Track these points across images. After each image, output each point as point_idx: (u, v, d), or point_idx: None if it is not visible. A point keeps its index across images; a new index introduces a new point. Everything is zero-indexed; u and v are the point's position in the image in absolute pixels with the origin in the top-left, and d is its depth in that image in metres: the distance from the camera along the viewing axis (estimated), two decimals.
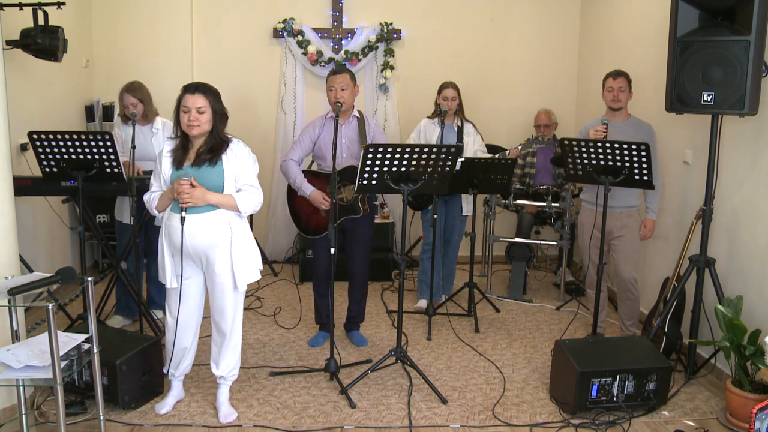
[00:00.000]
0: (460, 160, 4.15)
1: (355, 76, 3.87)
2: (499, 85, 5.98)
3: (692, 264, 3.58)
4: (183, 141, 2.98)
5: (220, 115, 2.96)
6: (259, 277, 3.11)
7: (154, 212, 3.04)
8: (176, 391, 3.26)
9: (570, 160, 3.72)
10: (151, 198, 3.04)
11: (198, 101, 2.89)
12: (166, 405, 3.20)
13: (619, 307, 4.20)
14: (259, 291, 5.18)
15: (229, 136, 3.02)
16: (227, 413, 3.18)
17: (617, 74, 3.98)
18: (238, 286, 3.02)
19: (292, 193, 3.98)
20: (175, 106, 2.98)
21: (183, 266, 2.99)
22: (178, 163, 2.96)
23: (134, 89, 4.01)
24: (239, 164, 2.99)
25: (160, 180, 3.02)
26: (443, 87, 4.56)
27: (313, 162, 4.09)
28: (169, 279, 3.04)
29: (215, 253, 2.97)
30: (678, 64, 3.40)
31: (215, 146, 2.95)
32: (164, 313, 3.23)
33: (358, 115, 3.92)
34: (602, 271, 3.84)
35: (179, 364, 3.19)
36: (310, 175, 3.89)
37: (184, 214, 2.88)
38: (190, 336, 3.15)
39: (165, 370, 3.23)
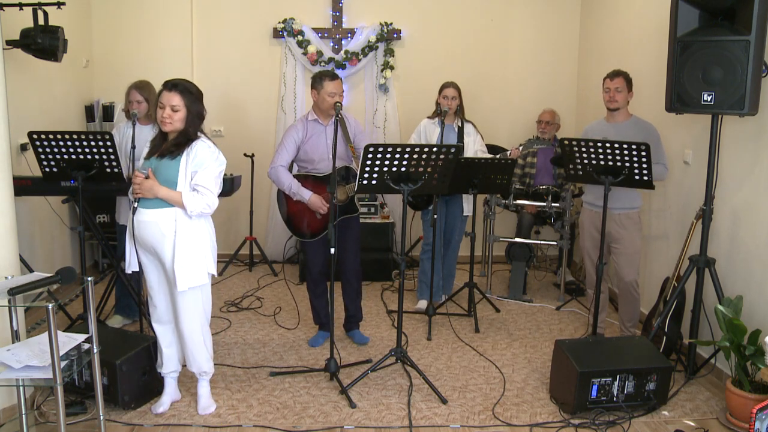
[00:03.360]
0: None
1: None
2: (499, 84, 5.98)
3: (692, 264, 3.58)
4: (161, 134, 3.06)
5: (195, 115, 2.99)
6: (205, 281, 3.04)
7: (131, 197, 3.07)
8: (170, 389, 3.26)
9: (570, 160, 3.72)
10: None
11: (173, 99, 2.93)
12: (162, 405, 3.20)
13: (619, 308, 4.20)
14: (259, 291, 5.18)
15: (200, 135, 3.02)
16: (205, 405, 3.22)
17: (615, 75, 3.97)
18: (178, 285, 2.95)
19: (282, 198, 3.97)
20: (154, 101, 3.08)
21: (139, 256, 3.08)
22: (150, 153, 3.05)
23: (142, 87, 4.00)
24: (197, 163, 2.95)
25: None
26: (444, 86, 4.56)
27: (293, 164, 4.07)
28: (127, 263, 3.11)
29: (162, 249, 2.98)
30: (678, 64, 3.40)
31: (181, 142, 2.99)
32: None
33: (339, 115, 3.92)
34: (602, 271, 3.84)
35: (165, 361, 3.20)
36: (300, 180, 3.88)
37: (135, 204, 2.97)
38: (168, 331, 3.17)
39: (156, 367, 3.24)
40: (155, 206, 2.95)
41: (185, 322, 3.07)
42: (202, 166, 2.96)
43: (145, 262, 3.09)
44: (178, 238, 2.95)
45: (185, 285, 2.97)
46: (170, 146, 2.99)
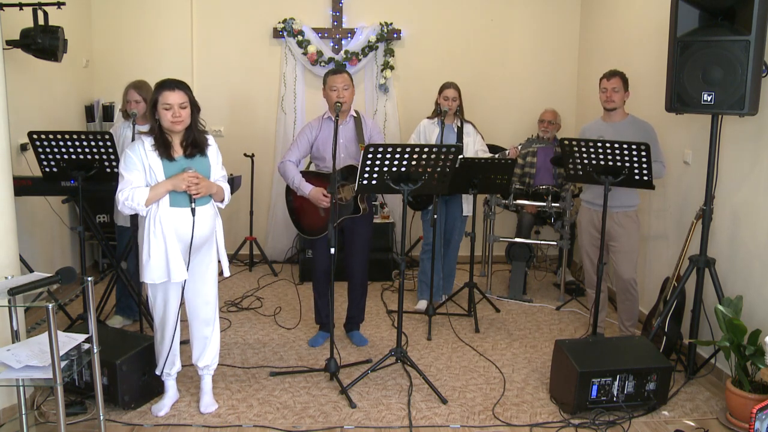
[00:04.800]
0: (459, 156, 4.15)
1: (352, 77, 3.88)
2: (499, 85, 5.98)
3: (692, 264, 3.58)
4: (163, 135, 3.00)
5: (196, 108, 3.04)
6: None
7: (138, 208, 2.90)
8: (172, 391, 3.26)
9: (570, 160, 3.72)
10: (134, 193, 2.88)
11: (180, 97, 2.94)
12: (164, 407, 3.20)
13: (618, 307, 4.20)
14: (259, 291, 5.18)
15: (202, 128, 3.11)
16: (208, 403, 3.24)
17: (611, 75, 3.98)
18: (225, 271, 3.20)
19: (290, 194, 3.98)
20: (150, 103, 3.00)
21: (190, 259, 3.01)
22: (167, 156, 2.97)
23: (140, 86, 4.00)
24: (218, 156, 3.15)
25: (144, 173, 2.94)
26: (444, 87, 4.55)
27: (311, 163, 4.09)
28: (177, 272, 2.95)
29: (209, 243, 3.11)
30: (678, 64, 3.40)
31: (198, 137, 3.04)
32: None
33: (355, 115, 3.93)
34: (602, 271, 3.84)
35: (174, 362, 3.20)
36: (309, 176, 3.89)
37: (194, 205, 2.97)
38: (177, 330, 3.17)
39: (158, 371, 3.22)
40: (204, 203, 3.05)
41: (213, 311, 3.20)
42: (219, 158, 3.16)
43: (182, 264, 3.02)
44: (217, 229, 3.16)
45: (228, 269, 3.22)
46: (192, 145, 3.01)
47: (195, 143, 3.02)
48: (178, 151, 3.01)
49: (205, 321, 3.17)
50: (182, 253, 2.99)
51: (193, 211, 2.96)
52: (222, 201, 3.16)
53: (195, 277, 3.09)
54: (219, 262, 3.20)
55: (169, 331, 3.10)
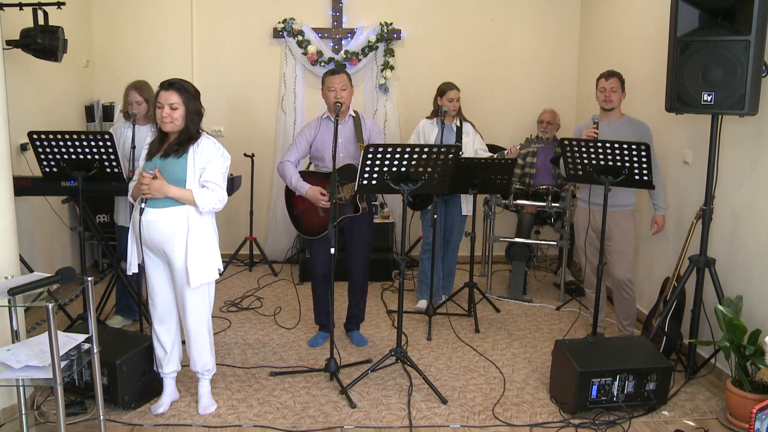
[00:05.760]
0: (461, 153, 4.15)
1: (350, 77, 3.88)
2: (499, 85, 5.98)
3: (692, 264, 3.58)
4: (160, 135, 3.06)
5: (193, 113, 3.01)
6: (216, 276, 3.08)
7: (130, 200, 3.14)
8: (169, 389, 3.26)
9: (570, 160, 3.72)
10: (130, 186, 3.16)
11: (171, 98, 2.95)
12: (162, 405, 3.21)
13: (615, 307, 4.20)
14: (259, 291, 5.18)
15: (202, 133, 3.06)
16: (206, 405, 3.24)
17: (609, 75, 3.98)
18: (191, 282, 2.98)
19: (290, 195, 3.98)
20: (152, 102, 3.09)
21: (144, 257, 3.07)
22: (150, 155, 3.05)
23: (140, 87, 4.00)
24: (204, 160, 3.01)
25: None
26: (448, 88, 4.53)
27: (311, 163, 4.09)
28: (128, 264, 3.11)
29: (172, 248, 2.99)
30: (678, 64, 3.40)
31: (183, 140, 3.01)
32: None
33: (354, 115, 3.93)
34: (602, 271, 3.84)
35: (165, 361, 3.20)
36: (308, 176, 3.89)
37: (143, 205, 2.97)
38: (168, 331, 3.18)
39: (155, 368, 3.24)
40: (165, 205, 2.97)
41: (193, 320, 3.10)
42: (210, 162, 3.02)
43: (148, 263, 3.08)
44: (190, 236, 2.99)
45: (198, 281, 3.01)
46: (173, 145, 3.00)
47: (177, 144, 3.00)
48: (161, 152, 3.03)
49: (185, 327, 3.15)
50: (147, 250, 3.06)
51: (141, 210, 2.97)
52: (196, 206, 2.97)
53: (173, 281, 3.09)
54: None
55: (154, 327, 3.17)
